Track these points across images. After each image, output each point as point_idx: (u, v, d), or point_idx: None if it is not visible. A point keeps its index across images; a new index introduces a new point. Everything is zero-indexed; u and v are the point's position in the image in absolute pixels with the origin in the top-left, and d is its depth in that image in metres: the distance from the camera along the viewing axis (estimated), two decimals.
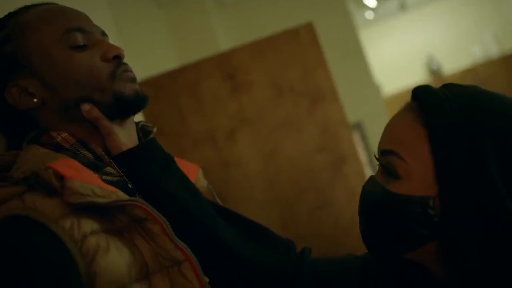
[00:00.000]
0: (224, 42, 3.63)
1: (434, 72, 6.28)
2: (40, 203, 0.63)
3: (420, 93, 0.69)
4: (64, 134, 0.74)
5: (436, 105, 0.65)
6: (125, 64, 0.77)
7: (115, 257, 0.63)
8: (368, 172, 3.64)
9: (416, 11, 6.55)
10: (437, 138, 0.63)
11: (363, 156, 3.66)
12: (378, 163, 0.71)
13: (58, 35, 0.73)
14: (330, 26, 3.77)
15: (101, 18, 0.84)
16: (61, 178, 0.64)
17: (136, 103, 0.76)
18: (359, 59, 3.77)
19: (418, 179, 0.64)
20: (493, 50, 6.17)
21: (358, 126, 3.65)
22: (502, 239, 0.60)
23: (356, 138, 3.64)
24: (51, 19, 0.74)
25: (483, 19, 6.36)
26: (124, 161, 0.75)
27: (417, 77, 6.33)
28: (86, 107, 0.73)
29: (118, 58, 0.76)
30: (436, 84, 0.72)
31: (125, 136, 0.77)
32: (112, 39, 0.83)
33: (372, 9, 5.91)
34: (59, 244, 0.60)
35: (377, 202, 0.67)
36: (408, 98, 0.72)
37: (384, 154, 0.67)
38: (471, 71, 6.13)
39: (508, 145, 0.61)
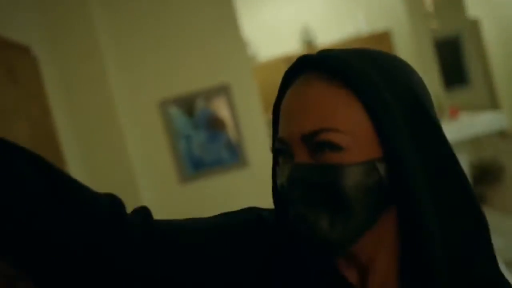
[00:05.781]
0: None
1: (308, 43, 6.48)
2: None
3: (324, 61, 0.64)
4: None
5: (356, 69, 0.62)
6: None
7: None
8: (237, 136, 3.67)
9: None
10: (370, 101, 0.62)
11: (230, 120, 3.68)
12: (290, 147, 0.64)
13: None
14: None
15: None
16: None
17: None
18: (231, 22, 3.74)
19: (360, 146, 0.62)
20: (364, 29, 6.53)
21: (225, 89, 3.64)
22: (453, 182, 0.64)
23: (223, 101, 3.64)
24: None
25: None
26: None
27: (292, 46, 6.49)
28: None
29: None
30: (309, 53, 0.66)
31: None
32: None
33: None
34: None
35: (320, 181, 0.62)
36: (283, 65, 0.68)
37: (316, 134, 0.62)
38: (342, 45, 6.43)
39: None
